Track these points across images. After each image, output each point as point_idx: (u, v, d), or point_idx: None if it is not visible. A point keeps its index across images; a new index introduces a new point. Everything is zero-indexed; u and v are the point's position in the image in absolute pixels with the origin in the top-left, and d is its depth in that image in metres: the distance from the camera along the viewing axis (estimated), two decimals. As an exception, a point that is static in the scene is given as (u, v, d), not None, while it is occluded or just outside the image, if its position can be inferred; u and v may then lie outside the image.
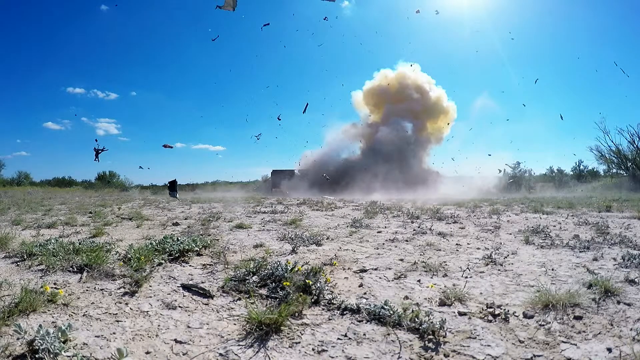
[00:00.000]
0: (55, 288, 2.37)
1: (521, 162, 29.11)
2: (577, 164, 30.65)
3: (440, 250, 3.69)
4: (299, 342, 1.70)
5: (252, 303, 2.10)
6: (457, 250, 3.70)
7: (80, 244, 3.52)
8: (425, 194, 19.86)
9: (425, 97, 30.87)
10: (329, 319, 1.95)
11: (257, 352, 1.61)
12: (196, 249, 3.45)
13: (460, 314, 1.99)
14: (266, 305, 2.11)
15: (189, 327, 1.88)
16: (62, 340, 1.63)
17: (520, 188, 26.12)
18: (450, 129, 31.23)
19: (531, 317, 1.91)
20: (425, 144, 30.86)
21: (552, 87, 57.60)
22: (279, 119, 25.51)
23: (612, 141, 27.95)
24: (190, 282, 2.54)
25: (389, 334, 1.76)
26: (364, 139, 30.26)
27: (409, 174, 26.43)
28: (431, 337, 1.71)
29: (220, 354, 1.60)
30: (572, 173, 30.50)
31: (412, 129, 30.17)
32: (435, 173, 28.69)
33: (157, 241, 3.62)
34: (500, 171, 28.37)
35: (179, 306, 2.16)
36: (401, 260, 3.24)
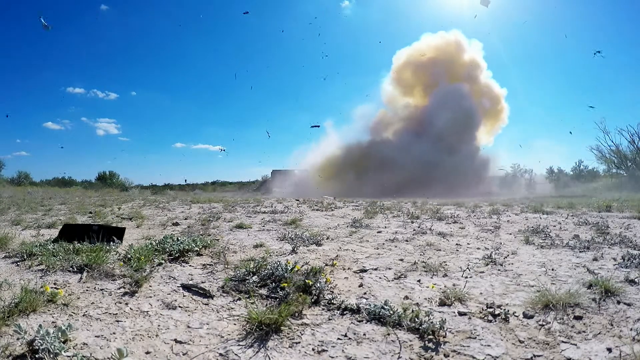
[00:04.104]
0: (55, 288, 2.37)
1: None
2: (577, 164, 30.65)
3: (440, 250, 3.69)
4: (299, 342, 1.70)
5: (252, 303, 2.10)
6: (457, 250, 3.70)
7: (80, 243, 3.52)
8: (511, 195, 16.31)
9: (489, 91, 24.80)
10: (329, 319, 1.95)
11: (257, 352, 1.61)
12: (196, 249, 3.45)
13: (460, 314, 1.99)
14: (266, 305, 2.11)
15: (189, 327, 1.88)
16: (62, 340, 1.63)
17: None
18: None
19: (531, 317, 1.91)
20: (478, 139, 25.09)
21: (551, 86, 57.56)
22: (269, 135, 24.75)
23: (612, 141, 27.82)
24: (190, 282, 2.54)
25: (389, 334, 1.76)
26: (402, 125, 23.88)
27: (468, 171, 20.93)
28: (431, 337, 1.71)
29: (220, 354, 1.60)
30: (572, 173, 30.48)
31: (473, 106, 23.28)
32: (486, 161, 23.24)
33: (157, 241, 3.62)
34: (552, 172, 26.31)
35: (179, 306, 2.16)
36: (401, 260, 3.24)
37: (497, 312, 1.95)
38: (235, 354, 1.60)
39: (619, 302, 2.08)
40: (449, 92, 23.58)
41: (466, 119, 23.12)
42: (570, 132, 44.96)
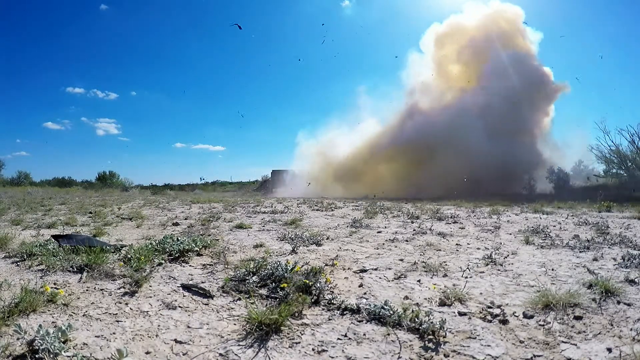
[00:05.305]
0: (55, 288, 2.37)
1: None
2: (577, 163, 30.58)
3: (440, 250, 3.69)
4: (299, 342, 1.70)
5: (252, 303, 2.10)
6: (457, 250, 3.70)
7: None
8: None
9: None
10: (329, 319, 1.95)
11: (257, 352, 1.62)
12: (196, 249, 3.45)
13: (460, 314, 1.99)
14: (266, 305, 2.11)
15: (189, 327, 1.88)
16: (62, 340, 1.63)
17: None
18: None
19: (531, 317, 1.91)
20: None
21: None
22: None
23: (612, 141, 27.75)
24: (190, 282, 2.54)
25: (389, 334, 1.76)
26: (443, 109, 18.66)
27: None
28: (431, 337, 1.71)
29: (220, 354, 1.60)
30: (571, 173, 30.40)
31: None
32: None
33: (157, 241, 3.62)
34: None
35: (179, 306, 2.16)
36: (401, 260, 3.24)
37: (497, 312, 1.95)
38: (235, 354, 1.60)
39: (619, 302, 2.08)
40: (507, 60, 18.87)
41: (531, 93, 18.04)
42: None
